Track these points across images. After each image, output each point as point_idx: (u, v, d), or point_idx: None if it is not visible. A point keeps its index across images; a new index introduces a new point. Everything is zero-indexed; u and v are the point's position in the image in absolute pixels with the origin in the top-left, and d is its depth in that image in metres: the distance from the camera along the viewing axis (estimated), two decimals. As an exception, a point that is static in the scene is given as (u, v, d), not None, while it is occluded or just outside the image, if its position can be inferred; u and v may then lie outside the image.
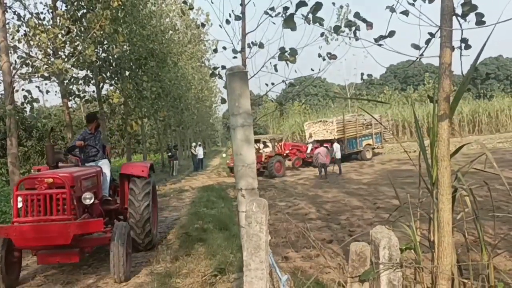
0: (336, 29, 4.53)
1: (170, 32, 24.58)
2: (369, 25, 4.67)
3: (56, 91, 13.59)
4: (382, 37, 4.14)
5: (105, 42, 15.83)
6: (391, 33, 4.09)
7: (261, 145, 25.70)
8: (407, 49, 3.96)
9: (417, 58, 3.92)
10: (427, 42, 3.87)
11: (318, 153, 20.73)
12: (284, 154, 25.98)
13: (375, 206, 11.31)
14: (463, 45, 3.85)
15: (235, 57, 7.18)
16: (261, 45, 6.68)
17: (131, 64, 17.76)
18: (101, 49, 16.13)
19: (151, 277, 5.78)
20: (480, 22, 3.53)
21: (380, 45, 4.19)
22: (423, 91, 60.28)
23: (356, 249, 2.46)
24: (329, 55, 6.56)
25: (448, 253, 3.27)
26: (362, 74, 6.71)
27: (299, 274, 5.10)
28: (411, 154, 4.17)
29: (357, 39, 4.99)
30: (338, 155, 21.53)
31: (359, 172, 21.55)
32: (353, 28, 5.15)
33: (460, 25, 3.54)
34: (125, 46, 16.90)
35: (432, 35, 3.85)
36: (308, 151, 27.71)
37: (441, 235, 3.29)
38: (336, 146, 21.94)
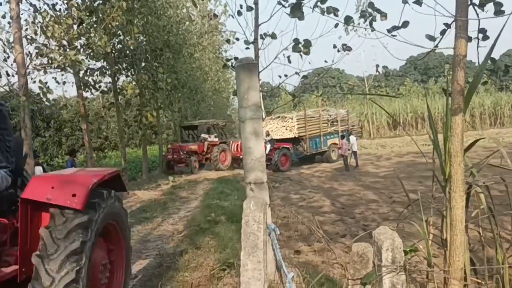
0: (347, 20, 4.39)
1: (186, 23, 24.51)
2: (383, 15, 4.53)
3: (72, 82, 13.65)
4: (395, 28, 4.00)
5: (120, 33, 15.86)
6: (405, 24, 3.94)
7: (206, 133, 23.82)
8: (423, 40, 3.83)
9: (432, 49, 3.78)
10: (442, 33, 3.72)
11: (343, 144, 20.59)
12: (240, 156, 23.13)
13: (391, 200, 11.13)
14: (480, 35, 3.69)
15: (247, 48, 7.08)
16: (273, 36, 6.56)
17: (147, 55, 17.78)
18: (116, 40, 16.17)
19: (159, 270, 5.77)
20: (498, 11, 3.37)
21: (393, 36, 4.06)
22: (443, 83, 59.30)
23: (358, 250, 2.36)
24: (344, 47, 6.43)
25: (460, 252, 3.16)
26: (377, 66, 6.57)
27: (309, 269, 5.02)
28: (429, 147, 4.04)
29: (372, 30, 4.85)
30: (355, 148, 21.30)
31: (375, 165, 21.31)
32: (369, 19, 5.01)
33: (477, 15, 3.38)
34: (140, 37, 16.92)
35: (447, 25, 3.69)
36: (267, 151, 24.01)
37: (454, 233, 3.18)
38: (353, 138, 21.67)
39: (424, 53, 4.04)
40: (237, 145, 23.89)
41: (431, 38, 3.74)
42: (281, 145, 23.48)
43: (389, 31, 4.06)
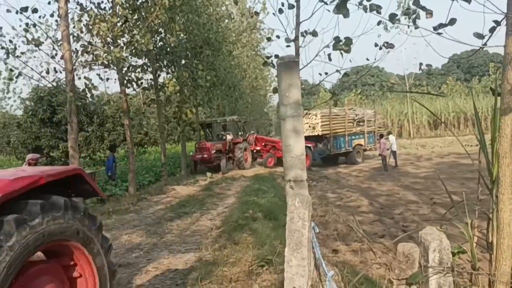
0: (392, 18, 4.33)
1: (226, 20, 24.66)
2: (429, 13, 4.44)
3: (115, 79, 14.01)
4: (441, 25, 3.91)
5: (162, 31, 16.16)
6: (452, 21, 3.85)
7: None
8: (470, 38, 3.72)
9: (480, 47, 3.68)
10: (492, 30, 3.61)
11: (381, 144, 20.22)
12: (255, 151, 23.02)
13: (431, 202, 10.90)
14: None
15: (288, 46, 7.08)
16: (314, 34, 6.54)
17: (187, 52, 18.01)
18: (158, 38, 16.48)
19: (199, 264, 5.86)
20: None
21: (439, 33, 3.97)
22: (488, 82, 57.36)
23: (403, 250, 2.33)
24: (386, 45, 6.33)
25: (507, 256, 3.08)
26: (420, 64, 6.42)
27: (347, 268, 4.99)
28: (472, 148, 3.95)
29: (416, 28, 4.77)
30: (394, 148, 20.92)
31: (415, 165, 20.89)
32: (412, 16, 4.92)
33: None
34: (181, 35, 17.15)
35: (497, 23, 3.59)
36: None
37: (500, 236, 3.10)
38: (392, 138, 21.27)
39: (468, 51, 3.95)
40: (252, 138, 23.10)
41: (479, 36, 3.64)
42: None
43: (435, 28, 3.98)
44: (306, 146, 21.94)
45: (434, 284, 2.10)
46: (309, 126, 23.19)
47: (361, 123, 24.71)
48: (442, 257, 2.10)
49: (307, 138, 22.77)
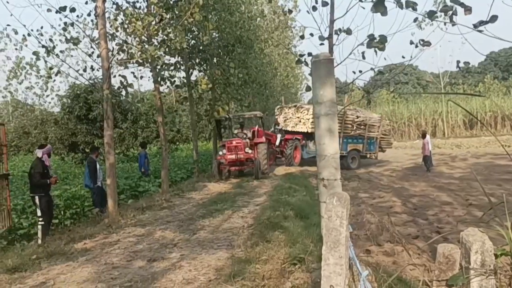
0: (431, 15, 4.25)
1: (258, 18, 24.71)
2: (468, 9, 4.34)
3: (149, 77, 14.28)
4: (482, 23, 3.82)
5: (195, 29, 16.36)
6: (493, 18, 3.76)
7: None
8: (508, 35, 3.63)
9: (523, 45, 3.58)
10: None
11: (425, 144, 19.70)
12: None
13: (467, 203, 10.65)
14: None
15: (322, 44, 7.05)
16: (349, 32, 6.50)
17: (219, 51, 18.15)
18: (190, 36, 16.69)
19: (231, 261, 5.91)
20: None
21: (480, 31, 3.88)
22: (527, 80, 55.53)
23: (444, 251, 2.29)
24: (422, 42, 6.23)
25: (549, 260, 2.98)
26: (458, 61, 6.30)
27: (379, 269, 4.93)
28: (510, 149, 3.84)
29: (453, 25, 4.67)
30: (430, 147, 20.48)
31: (450, 165, 20.44)
32: (450, 13, 4.83)
33: None
34: (213, 33, 17.30)
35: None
36: (277, 142, 21.58)
37: (542, 240, 3.00)
38: (427, 138, 20.81)
39: (506, 49, 3.84)
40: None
41: (522, 33, 3.53)
42: (293, 136, 21.33)
43: (475, 26, 3.89)
44: (298, 139, 21.31)
45: (476, 287, 2.05)
46: (300, 121, 21.45)
47: (361, 127, 22.39)
48: (484, 259, 2.05)
49: (296, 133, 21.62)
